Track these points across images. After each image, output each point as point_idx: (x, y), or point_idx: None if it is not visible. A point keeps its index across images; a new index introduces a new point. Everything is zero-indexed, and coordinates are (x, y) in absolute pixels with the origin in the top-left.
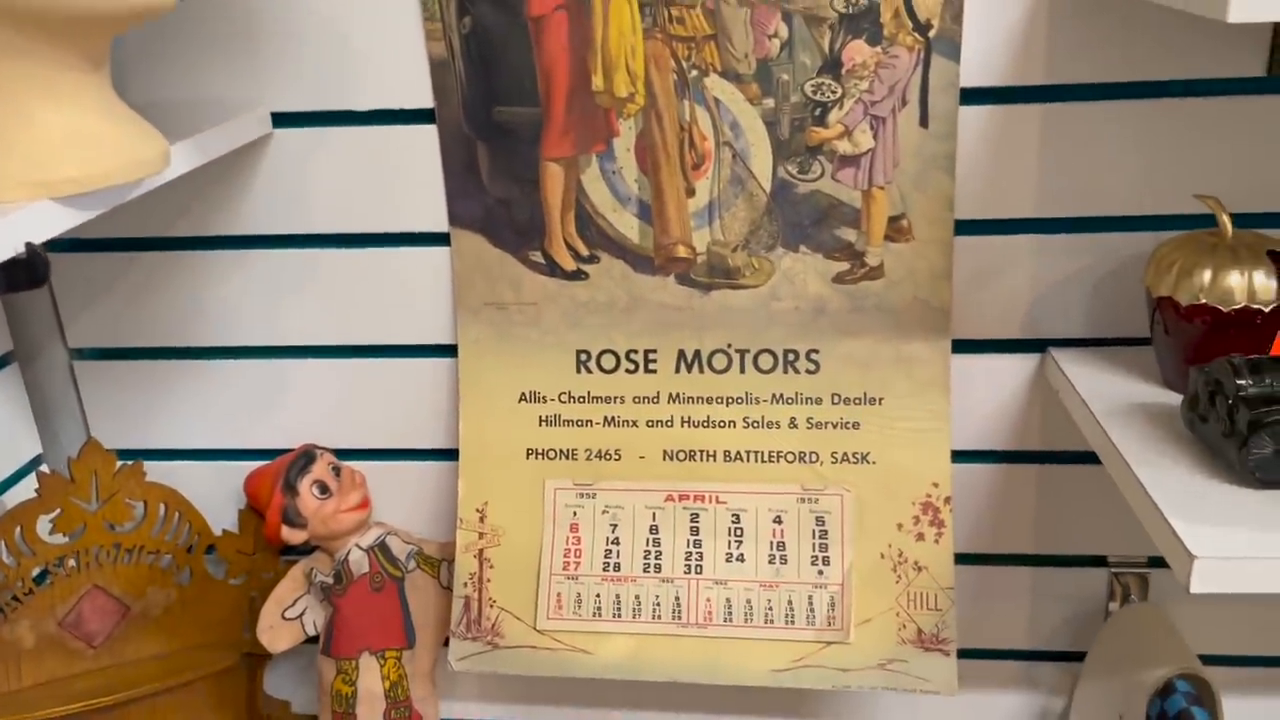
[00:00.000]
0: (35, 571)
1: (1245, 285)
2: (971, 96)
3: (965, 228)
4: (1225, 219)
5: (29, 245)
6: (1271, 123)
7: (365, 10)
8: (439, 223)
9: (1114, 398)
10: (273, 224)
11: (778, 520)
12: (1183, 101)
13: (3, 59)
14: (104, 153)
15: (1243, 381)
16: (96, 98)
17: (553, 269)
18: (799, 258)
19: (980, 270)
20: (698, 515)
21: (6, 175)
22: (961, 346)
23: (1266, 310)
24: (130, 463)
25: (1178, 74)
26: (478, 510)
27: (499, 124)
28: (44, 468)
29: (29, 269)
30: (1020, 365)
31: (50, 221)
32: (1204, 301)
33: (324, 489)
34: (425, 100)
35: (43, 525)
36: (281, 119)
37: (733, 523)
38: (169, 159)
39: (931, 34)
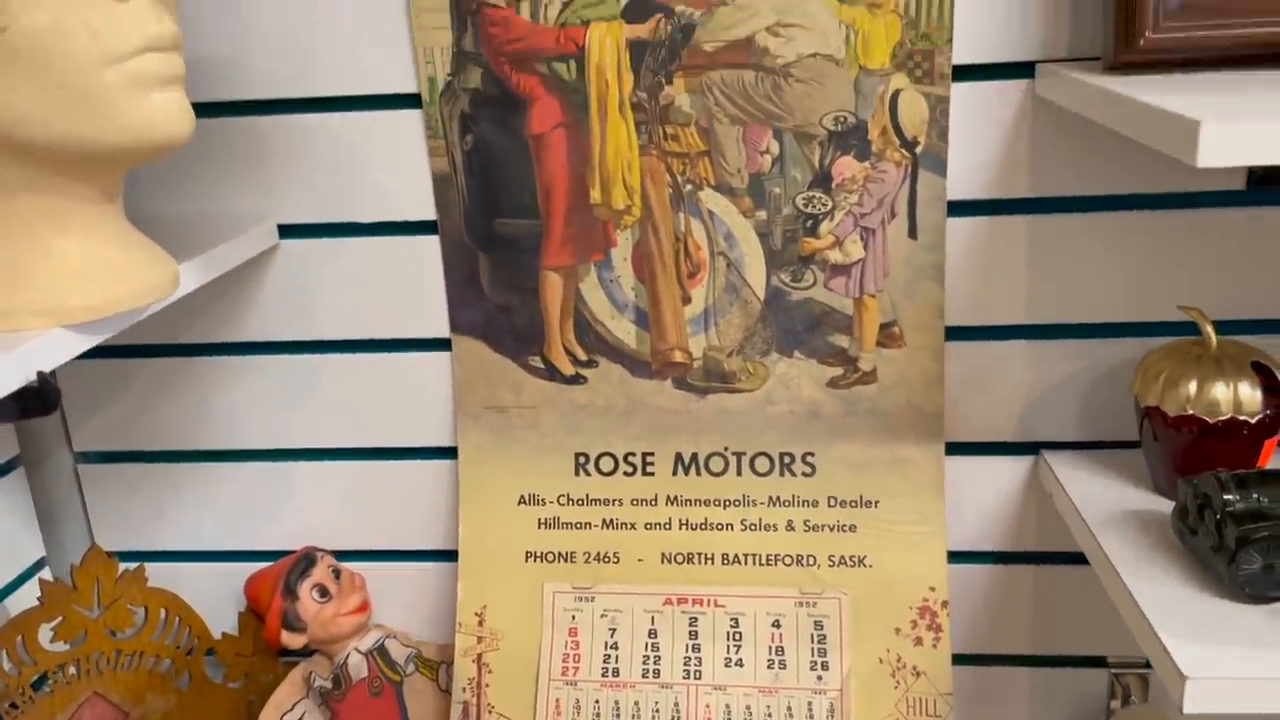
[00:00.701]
0: (34, 678)
1: (1231, 397)
2: (959, 209)
3: (956, 334)
4: (1209, 330)
5: (40, 374)
6: (1251, 233)
7: (371, 128)
8: (440, 329)
9: (1106, 503)
10: (278, 331)
11: (776, 624)
12: (1165, 214)
13: (22, 194)
14: (116, 280)
15: (1230, 497)
16: (110, 227)
17: (552, 373)
18: (793, 363)
19: (972, 375)
20: (696, 619)
21: (21, 305)
22: (956, 449)
23: (1252, 421)
24: (132, 568)
25: (1160, 188)
26: (476, 614)
27: (500, 235)
28: (47, 572)
29: (40, 397)
30: (1014, 467)
31: (62, 348)
32: (1191, 412)
33: (324, 592)
34: (428, 213)
35: (44, 633)
36: (288, 230)
37: (731, 627)
38: (179, 281)
39: (918, 150)
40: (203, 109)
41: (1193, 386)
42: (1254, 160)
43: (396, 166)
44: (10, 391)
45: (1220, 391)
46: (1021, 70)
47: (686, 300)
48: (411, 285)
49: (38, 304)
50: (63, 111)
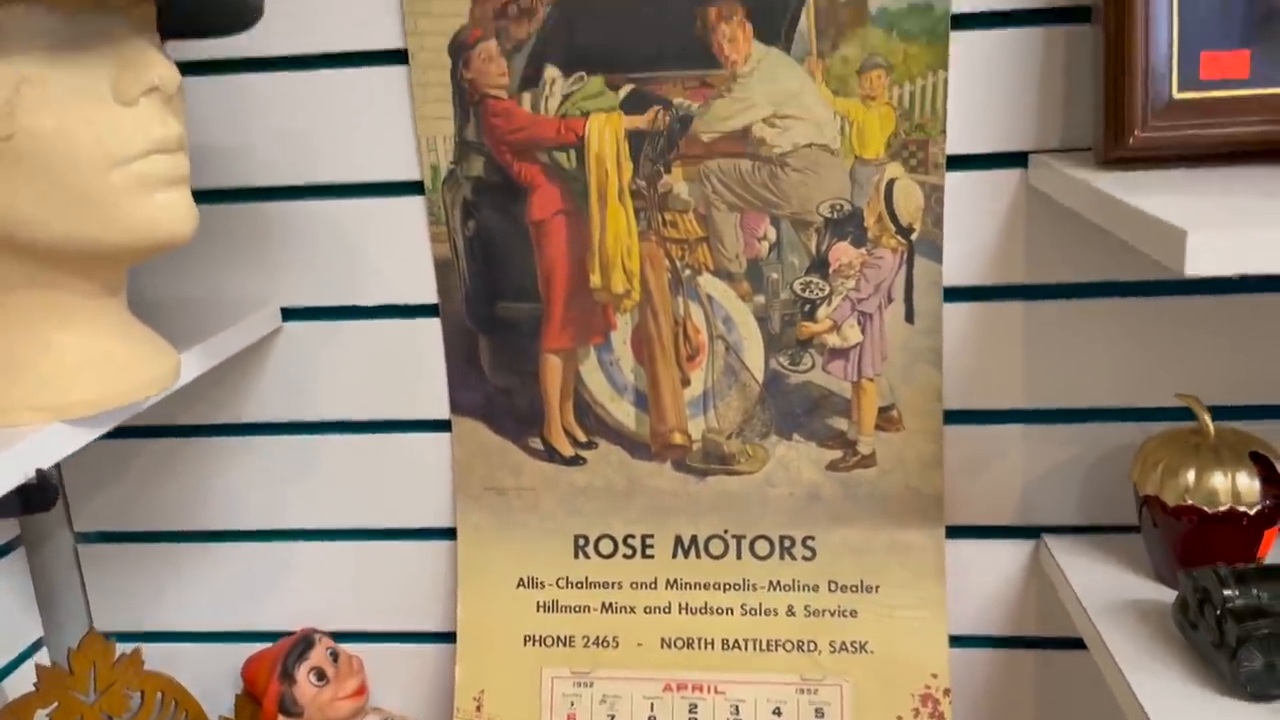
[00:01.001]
0: None
1: (1229, 487)
2: (955, 294)
3: (955, 417)
4: (1206, 419)
5: (39, 471)
6: (1246, 320)
7: (373, 213)
8: (441, 410)
9: (1106, 591)
10: (279, 412)
11: (777, 712)
12: (1161, 300)
13: (22, 290)
14: (117, 374)
15: (1229, 593)
16: (112, 320)
17: (551, 455)
18: (793, 446)
19: (971, 459)
20: (696, 706)
21: (20, 400)
22: (956, 532)
23: (1251, 512)
24: (129, 651)
25: (1155, 275)
26: (474, 699)
27: (501, 318)
28: (45, 654)
29: (39, 493)
30: (1015, 551)
31: (60, 443)
32: (1190, 502)
33: (321, 675)
34: (430, 296)
35: (40, 718)
36: (291, 313)
37: (732, 714)
38: (180, 372)
39: (914, 237)
40: (207, 195)
41: (1191, 476)
42: (1240, 270)
43: (399, 251)
44: (10, 489)
45: (1219, 481)
46: (1015, 160)
47: (686, 383)
48: (412, 367)
49: (37, 399)
50: (66, 212)
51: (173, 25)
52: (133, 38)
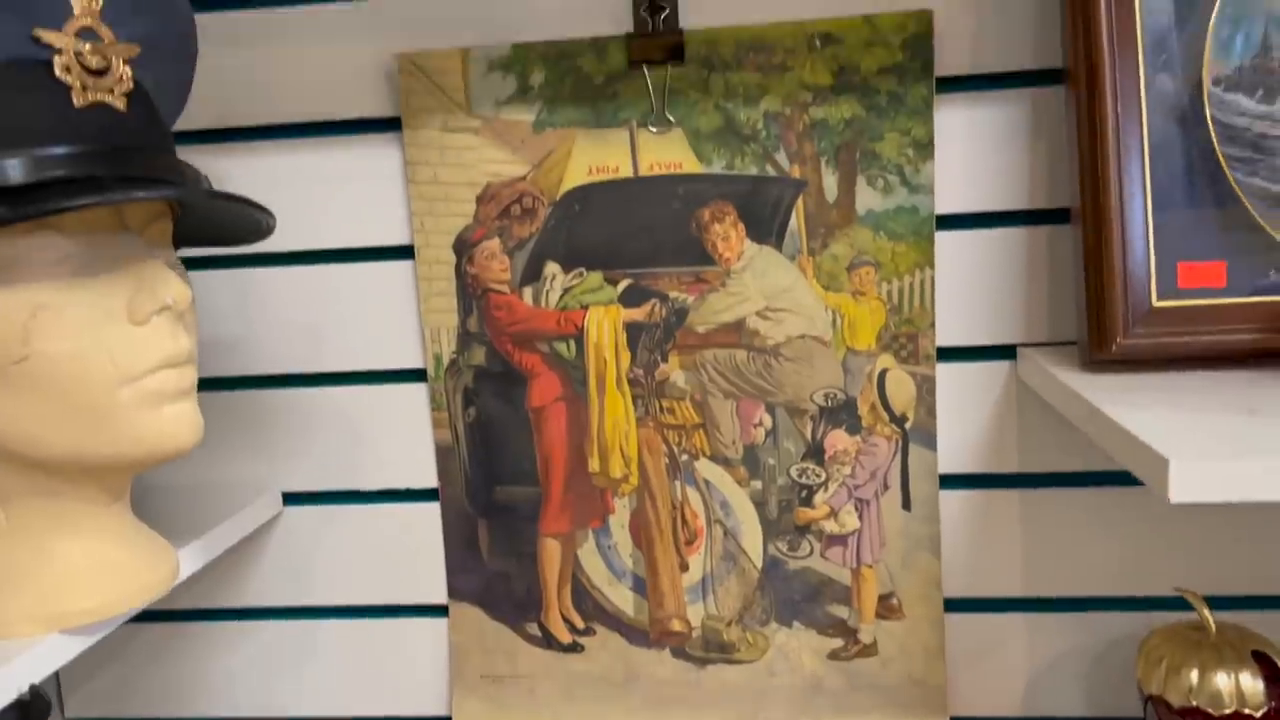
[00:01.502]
0: None
1: (1233, 688)
2: (951, 482)
3: (955, 605)
4: (1207, 615)
5: (32, 687)
6: (1245, 511)
7: (377, 400)
8: (438, 595)
9: None
10: (276, 596)
11: None
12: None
13: (28, 498)
14: (117, 581)
15: None
16: (114, 526)
17: (549, 642)
18: (793, 633)
19: (973, 648)
20: None
21: (19, 611)
22: None
23: (1257, 715)
24: None
25: None
26: None
27: (500, 503)
28: None
29: (33, 710)
30: None
31: (57, 655)
32: (1195, 704)
33: None
34: (430, 481)
35: None
36: (292, 497)
37: None
38: (178, 573)
39: (908, 425)
40: (214, 383)
41: (1194, 675)
42: (1225, 499)
43: (401, 436)
44: (4, 706)
45: (1222, 682)
46: (1005, 352)
47: (684, 568)
48: (411, 551)
49: (35, 611)
50: (74, 428)
51: (188, 235)
52: (147, 258)
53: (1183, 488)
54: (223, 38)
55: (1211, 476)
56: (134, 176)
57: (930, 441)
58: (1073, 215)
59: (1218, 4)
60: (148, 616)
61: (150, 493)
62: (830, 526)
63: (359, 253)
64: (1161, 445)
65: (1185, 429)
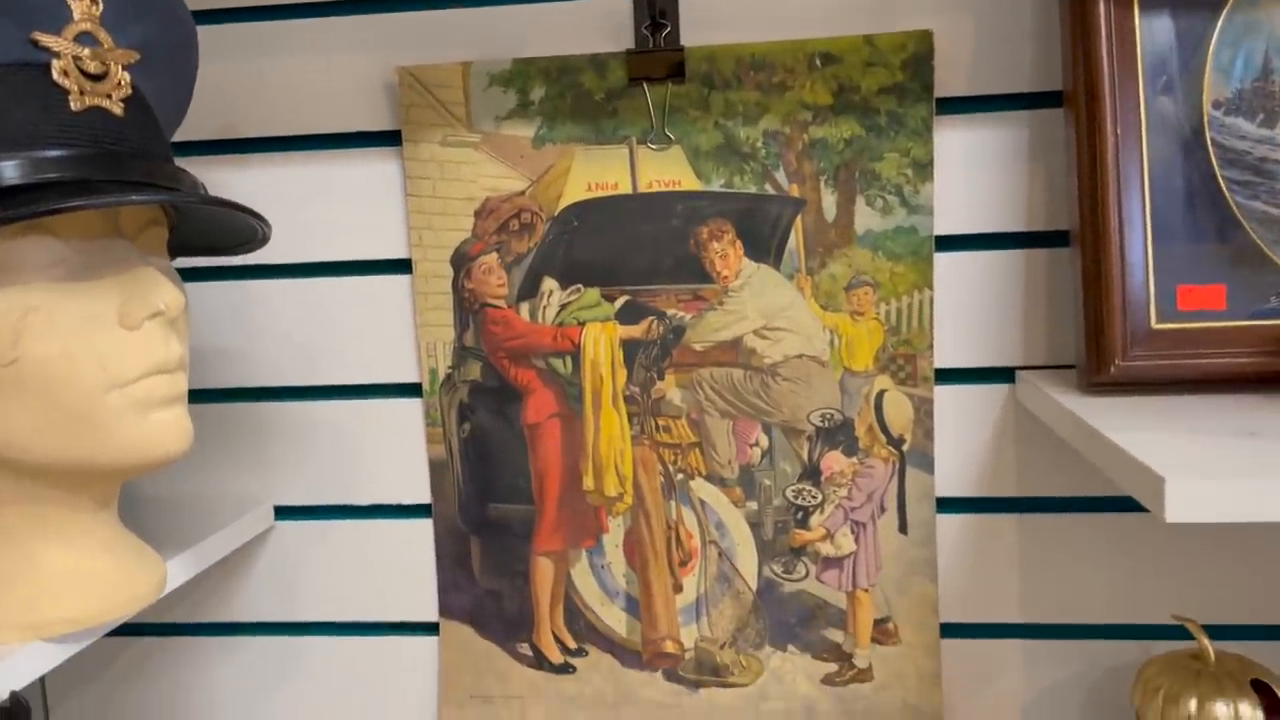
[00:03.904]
0: None
1: (1232, 717)
2: (948, 505)
3: (951, 630)
4: (1206, 643)
5: (13, 694)
6: (1244, 538)
7: (371, 415)
8: (429, 613)
9: None
10: (265, 612)
11: None
12: (1157, 517)
13: (13, 505)
14: (102, 591)
15: None
16: (101, 534)
17: (540, 661)
18: (787, 657)
19: (970, 674)
20: None
21: (2, 618)
22: None
23: None
24: None
25: None
26: None
27: (493, 519)
28: None
29: (11, 716)
30: None
31: (40, 662)
32: None
33: None
34: (423, 496)
35: None
36: (284, 511)
37: None
38: (165, 584)
39: (905, 448)
40: (207, 394)
41: (1193, 705)
42: (1220, 519)
43: (394, 451)
44: None
45: (1221, 711)
46: (1003, 375)
47: (678, 589)
48: (402, 568)
49: (18, 618)
50: (61, 432)
51: (184, 243)
52: (140, 264)
53: (1179, 507)
54: (224, 49)
55: (1208, 496)
56: (129, 181)
57: (927, 464)
58: (1072, 237)
59: (1218, 28)
60: (135, 630)
61: (140, 504)
62: (826, 549)
63: (356, 265)
64: (1158, 464)
65: (1183, 450)
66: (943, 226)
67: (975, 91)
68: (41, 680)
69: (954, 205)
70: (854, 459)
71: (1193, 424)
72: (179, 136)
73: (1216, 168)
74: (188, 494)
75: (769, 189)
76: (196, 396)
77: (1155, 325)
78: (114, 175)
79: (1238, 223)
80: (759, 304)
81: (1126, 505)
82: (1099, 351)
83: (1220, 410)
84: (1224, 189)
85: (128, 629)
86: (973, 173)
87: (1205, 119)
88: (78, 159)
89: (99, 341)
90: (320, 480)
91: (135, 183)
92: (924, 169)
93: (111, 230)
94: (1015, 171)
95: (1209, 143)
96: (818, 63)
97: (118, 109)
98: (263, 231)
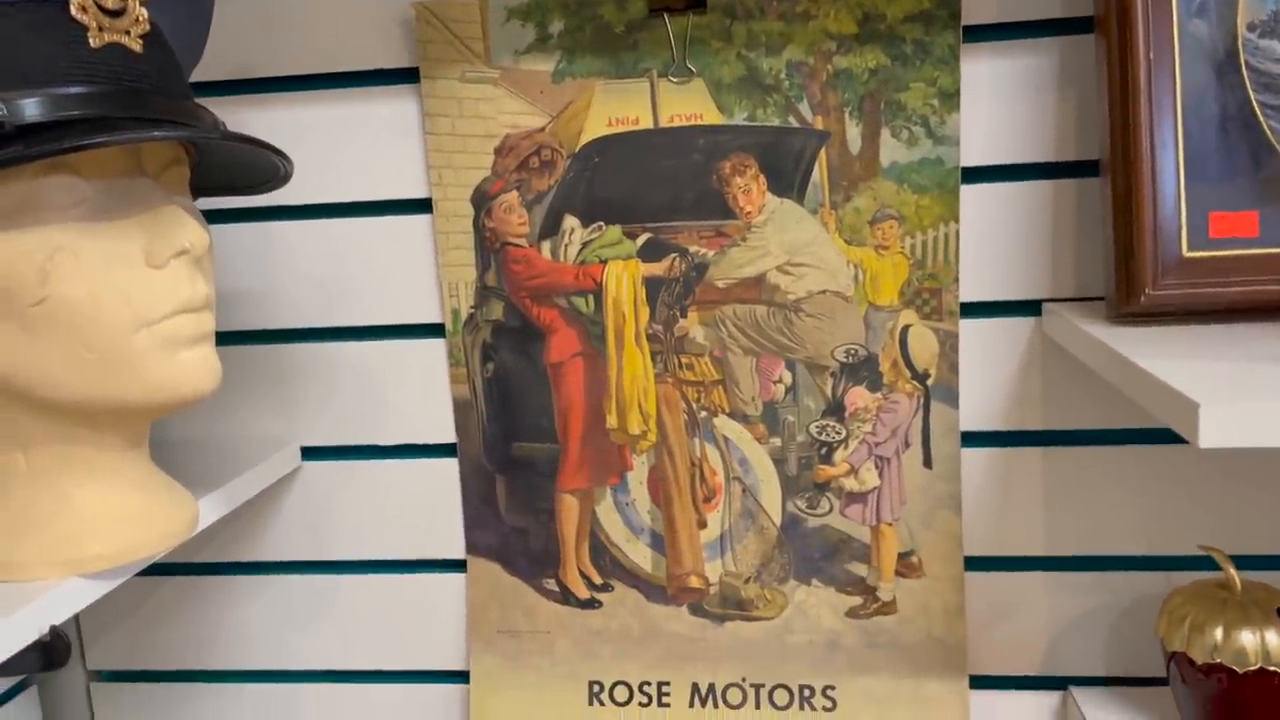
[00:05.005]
0: None
1: (1258, 646)
2: (972, 439)
3: (976, 564)
4: (1233, 572)
5: (52, 628)
6: (1271, 468)
7: (395, 355)
8: (456, 551)
9: None
10: (294, 551)
11: None
12: (1182, 448)
13: (46, 444)
14: (135, 527)
15: None
16: (132, 472)
17: (567, 597)
18: (811, 591)
19: (994, 607)
20: None
21: (38, 555)
22: (981, 682)
23: None
24: None
25: None
26: None
27: (517, 458)
28: None
29: (53, 651)
30: (1041, 703)
31: (77, 598)
32: (1219, 660)
33: None
34: (448, 436)
35: None
36: (310, 452)
37: None
38: (198, 522)
39: (929, 382)
40: (232, 336)
41: (1219, 633)
42: (1254, 443)
43: (419, 392)
44: (25, 646)
45: (1248, 640)
46: (1029, 308)
47: (703, 525)
48: (429, 507)
49: (54, 554)
50: (90, 372)
51: (206, 183)
52: (164, 202)
53: (1213, 433)
54: None
55: (1242, 421)
56: (150, 118)
57: (952, 398)
58: (1102, 166)
59: None
60: (167, 569)
61: (167, 446)
62: (850, 484)
63: (376, 206)
64: (1191, 390)
65: (1216, 376)
66: (969, 157)
67: (1004, 18)
68: (76, 620)
69: (981, 136)
70: (878, 394)
71: (1225, 351)
72: (194, 78)
73: (1251, 92)
74: (214, 436)
75: (792, 122)
76: (219, 339)
77: (1186, 253)
78: (135, 112)
79: (1271, 149)
80: (782, 239)
81: (1152, 437)
82: (1129, 280)
83: (1252, 338)
84: (1258, 114)
85: (158, 569)
86: (1000, 102)
87: (1240, 42)
88: (98, 96)
89: (125, 281)
90: (346, 421)
91: (157, 120)
92: (950, 99)
93: (134, 169)
94: (1044, 100)
95: (1243, 66)
96: None
97: (136, 45)
98: (284, 168)
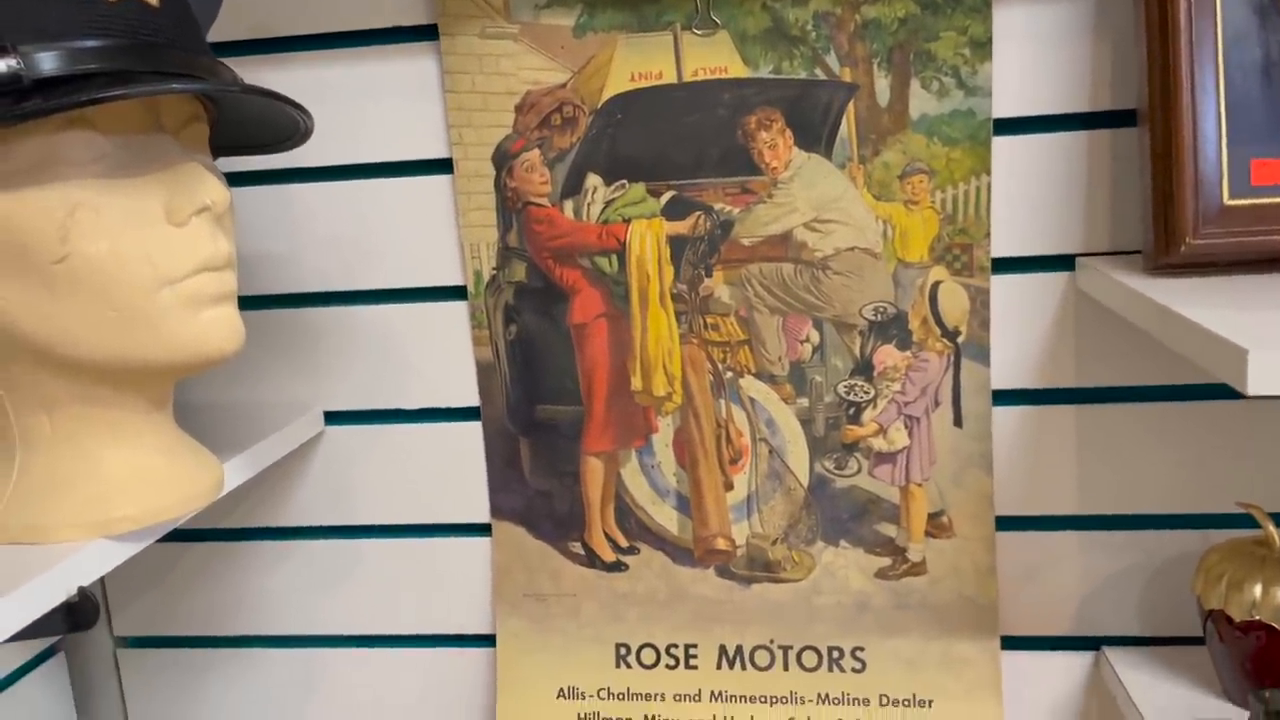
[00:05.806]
0: None
1: None
2: (1004, 397)
3: (1007, 524)
4: (1271, 529)
5: (80, 589)
6: None
7: (417, 318)
8: (481, 514)
9: (1173, 712)
10: (318, 516)
11: None
12: (1217, 404)
13: (71, 406)
14: (161, 490)
15: None
16: (158, 434)
17: (592, 560)
18: (840, 552)
19: (1026, 567)
20: None
21: (65, 517)
22: (1013, 643)
23: None
24: None
25: (1209, 378)
26: None
27: (541, 421)
28: None
29: (80, 613)
30: (1074, 664)
31: (103, 561)
32: (1258, 618)
33: None
34: (471, 399)
35: None
36: (334, 417)
37: None
38: (223, 484)
39: (960, 340)
40: (254, 300)
41: (1258, 590)
42: None
43: (441, 355)
44: (53, 608)
45: None
46: (1062, 263)
47: (729, 486)
48: (453, 470)
49: (80, 516)
50: (114, 331)
51: (225, 142)
52: (184, 159)
53: (1262, 379)
54: None
55: None
56: (168, 72)
57: (983, 356)
58: (1139, 113)
59: None
60: (191, 535)
61: (189, 410)
62: (879, 444)
63: (396, 166)
64: (1238, 336)
65: (1262, 325)
66: (1002, 108)
67: None
68: (103, 586)
69: (1014, 86)
70: (907, 353)
71: (1267, 300)
72: (210, 37)
73: None
74: (236, 400)
75: (819, 74)
76: (240, 303)
77: (1228, 201)
78: (152, 66)
79: None
80: (809, 195)
81: (1187, 394)
82: (1169, 230)
83: None
84: None
85: (182, 535)
86: (1034, 51)
87: None
88: (115, 50)
89: (147, 238)
90: (368, 385)
91: (175, 74)
92: (982, 48)
93: (153, 125)
94: (1079, 48)
95: None
96: None
97: (153, 0)
98: (304, 123)
